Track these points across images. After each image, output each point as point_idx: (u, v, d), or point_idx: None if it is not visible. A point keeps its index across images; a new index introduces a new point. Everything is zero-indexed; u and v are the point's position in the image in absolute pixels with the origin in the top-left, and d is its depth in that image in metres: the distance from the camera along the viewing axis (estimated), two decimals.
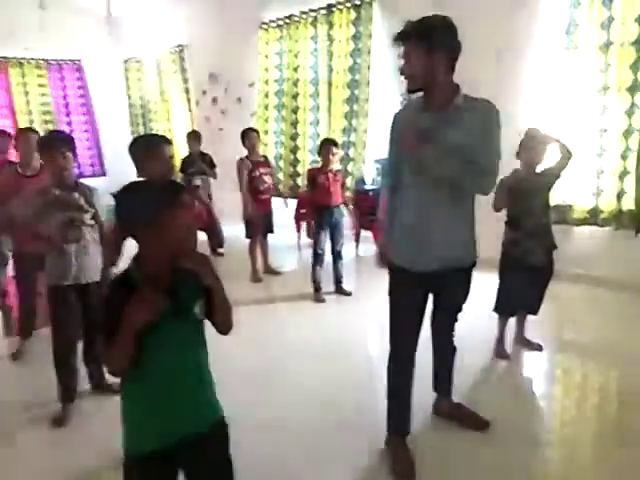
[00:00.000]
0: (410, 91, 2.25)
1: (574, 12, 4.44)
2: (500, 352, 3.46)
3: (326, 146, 4.57)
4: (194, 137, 6.41)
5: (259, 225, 5.27)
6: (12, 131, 4.80)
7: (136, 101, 10.57)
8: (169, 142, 2.65)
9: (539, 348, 3.54)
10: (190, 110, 9.14)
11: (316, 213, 4.69)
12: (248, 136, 5.19)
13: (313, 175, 4.67)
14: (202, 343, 1.60)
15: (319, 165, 4.73)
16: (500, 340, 3.50)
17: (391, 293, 2.42)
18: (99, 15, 7.32)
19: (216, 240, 2.67)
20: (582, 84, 4.47)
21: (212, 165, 6.31)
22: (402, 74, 2.23)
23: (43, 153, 2.85)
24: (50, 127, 9.84)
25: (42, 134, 3.61)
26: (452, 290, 2.47)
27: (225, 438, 1.65)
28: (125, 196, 1.51)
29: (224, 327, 1.61)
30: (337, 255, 4.78)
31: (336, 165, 4.70)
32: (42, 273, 3.03)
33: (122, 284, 1.48)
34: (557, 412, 2.97)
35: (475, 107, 2.19)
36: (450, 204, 2.24)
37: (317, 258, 4.74)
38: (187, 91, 9.11)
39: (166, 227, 1.43)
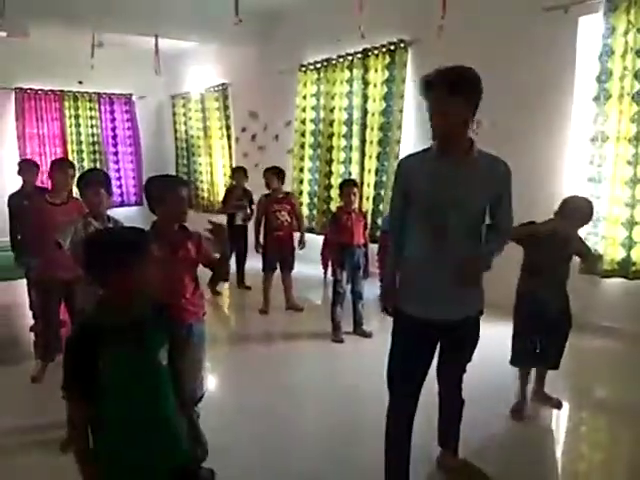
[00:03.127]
0: (435, 139, 2.24)
1: (607, 61, 4.39)
2: (517, 412, 3.24)
3: (346, 187, 4.62)
4: (241, 172, 6.62)
5: (272, 260, 5.45)
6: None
7: (182, 135, 10.98)
8: (185, 184, 2.75)
9: (558, 405, 3.36)
10: (230, 146, 9.43)
11: (338, 252, 4.70)
12: (264, 175, 5.48)
13: (337, 214, 4.70)
14: (169, 392, 1.62)
15: (342, 204, 4.76)
16: (521, 397, 3.29)
17: (395, 340, 2.37)
18: (149, 53, 7.73)
19: (216, 280, 2.77)
20: (614, 133, 4.38)
21: (251, 202, 6.49)
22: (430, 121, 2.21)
23: (81, 190, 3.09)
24: (98, 157, 10.41)
25: (75, 163, 3.84)
26: (460, 339, 2.41)
27: None
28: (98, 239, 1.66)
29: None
30: (357, 295, 4.75)
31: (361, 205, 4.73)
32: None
33: (83, 338, 1.54)
34: (571, 475, 2.81)
35: (490, 165, 2.23)
36: (457, 252, 2.20)
37: (337, 297, 4.72)
38: (228, 127, 9.42)
39: (135, 271, 1.52)
